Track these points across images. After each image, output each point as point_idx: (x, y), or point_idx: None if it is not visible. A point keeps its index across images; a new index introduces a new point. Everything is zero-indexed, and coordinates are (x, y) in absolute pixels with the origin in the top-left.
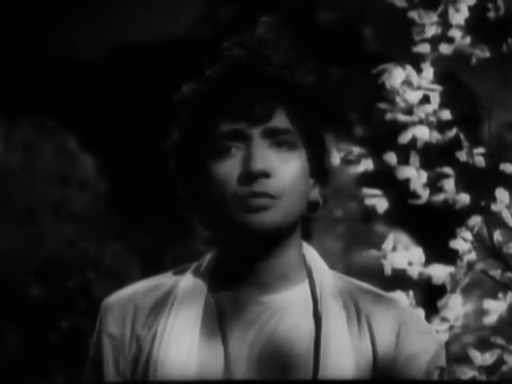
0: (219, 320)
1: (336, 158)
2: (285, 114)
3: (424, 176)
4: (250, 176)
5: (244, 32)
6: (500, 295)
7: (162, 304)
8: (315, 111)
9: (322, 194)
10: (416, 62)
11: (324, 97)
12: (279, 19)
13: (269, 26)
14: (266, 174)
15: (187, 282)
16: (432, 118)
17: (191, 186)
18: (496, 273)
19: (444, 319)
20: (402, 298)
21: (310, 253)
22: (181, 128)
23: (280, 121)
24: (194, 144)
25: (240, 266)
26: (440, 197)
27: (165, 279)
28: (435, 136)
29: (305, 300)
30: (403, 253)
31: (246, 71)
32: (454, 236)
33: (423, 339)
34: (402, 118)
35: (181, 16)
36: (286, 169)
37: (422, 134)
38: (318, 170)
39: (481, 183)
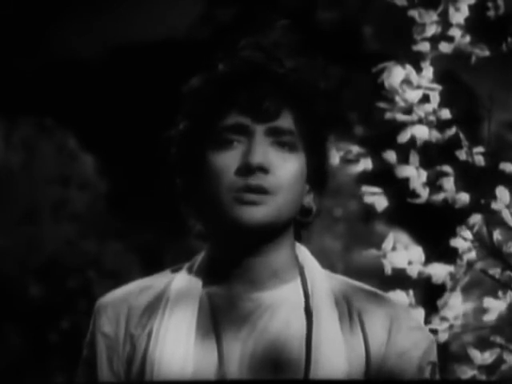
0: (213, 318)
1: (335, 158)
2: (290, 116)
3: (423, 175)
4: (247, 168)
5: (245, 33)
6: (500, 294)
7: (155, 304)
8: (321, 117)
9: (317, 202)
10: (416, 61)
11: (331, 104)
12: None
13: (284, 29)
14: (263, 169)
15: (181, 281)
16: (432, 117)
17: (190, 176)
18: (496, 272)
19: (444, 318)
20: (402, 298)
21: (304, 253)
22: (187, 117)
23: (285, 121)
24: (199, 134)
25: (232, 263)
26: (440, 196)
27: (158, 279)
28: (435, 135)
29: (296, 297)
30: (403, 252)
31: (259, 71)
32: (453, 235)
33: (414, 335)
34: (401, 117)
35: (181, 16)
36: (284, 167)
37: (422, 133)
38: (316, 176)
39: (480, 182)
